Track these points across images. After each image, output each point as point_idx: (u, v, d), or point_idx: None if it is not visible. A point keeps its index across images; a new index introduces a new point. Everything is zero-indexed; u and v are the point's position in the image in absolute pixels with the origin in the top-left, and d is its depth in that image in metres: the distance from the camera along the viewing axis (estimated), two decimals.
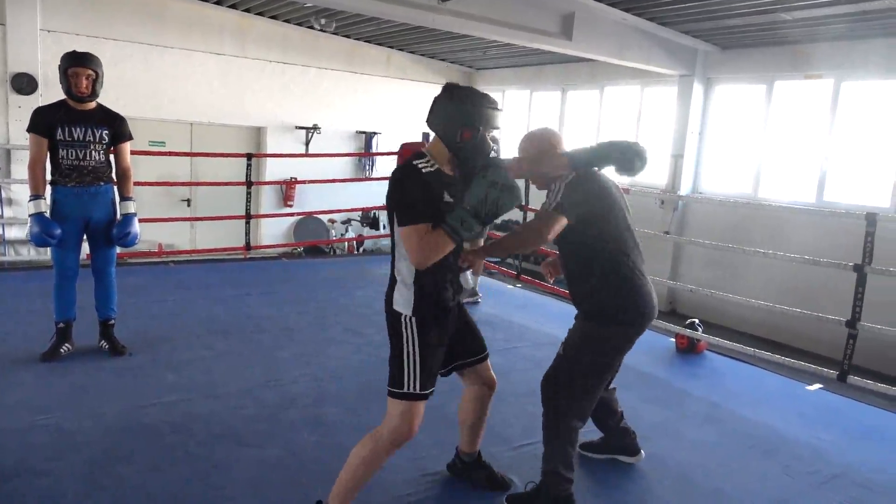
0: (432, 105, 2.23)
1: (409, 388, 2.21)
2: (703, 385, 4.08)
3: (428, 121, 2.25)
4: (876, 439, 3.42)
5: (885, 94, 6.98)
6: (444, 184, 2.17)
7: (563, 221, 2.36)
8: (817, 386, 4.10)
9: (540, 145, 2.59)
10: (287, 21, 9.31)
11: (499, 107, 2.25)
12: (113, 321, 3.83)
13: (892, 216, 6.29)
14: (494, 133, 2.25)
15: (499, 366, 4.05)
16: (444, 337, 2.30)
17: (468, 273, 5.47)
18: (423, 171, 2.16)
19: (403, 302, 2.22)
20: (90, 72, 3.50)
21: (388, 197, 2.18)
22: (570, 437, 2.48)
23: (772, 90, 7.85)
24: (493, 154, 2.27)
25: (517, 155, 2.63)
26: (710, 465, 3.01)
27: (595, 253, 2.47)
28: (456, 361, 2.46)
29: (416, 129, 9.21)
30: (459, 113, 2.16)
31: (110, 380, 3.44)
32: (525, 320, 5.09)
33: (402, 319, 2.23)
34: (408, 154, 6.86)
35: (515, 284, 6.40)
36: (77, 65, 3.47)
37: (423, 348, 2.22)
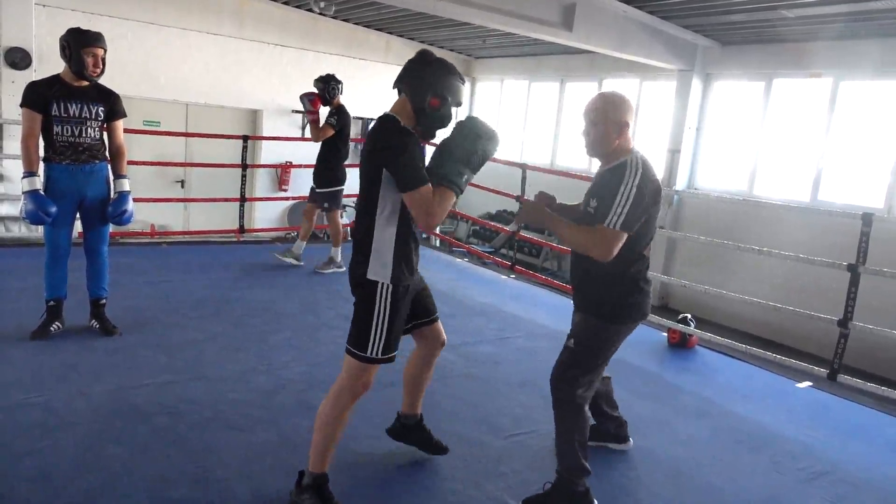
0: (404, 67, 2.26)
1: (372, 353, 2.27)
2: (694, 380, 4.09)
3: (397, 82, 2.27)
4: (864, 438, 3.45)
5: (882, 95, 6.99)
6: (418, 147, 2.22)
7: (624, 238, 2.30)
8: (807, 384, 4.12)
9: (621, 114, 2.39)
10: (286, 3, 9.23)
11: (463, 81, 2.29)
12: (104, 300, 3.80)
13: (886, 217, 6.31)
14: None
15: (492, 356, 4.08)
16: (405, 304, 2.35)
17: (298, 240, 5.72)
18: (412, 133, 2.21)
19: (381, 271, 2.23)
20: (103, 52, 3.48)
21: (383, 161, 2.14)
22: (586, 428, 2.51)
23: (770, 88, 7.86)
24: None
25: (591, 118, 2.40)
26: (701, 458, 3.02)
27: (623, 255, 2.35)
28: (414, 321, 2.52)
29: None
30: (432, 79, 2.19)
31: (101, 359, 3.41)
32: (518, 311, 5.09)
33: (379, 288, 2.25)
34: None
35: (509, 275, 6.40)
36: (96, 45, 3.43)
37: (392, 316, 2.26)
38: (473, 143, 2.16)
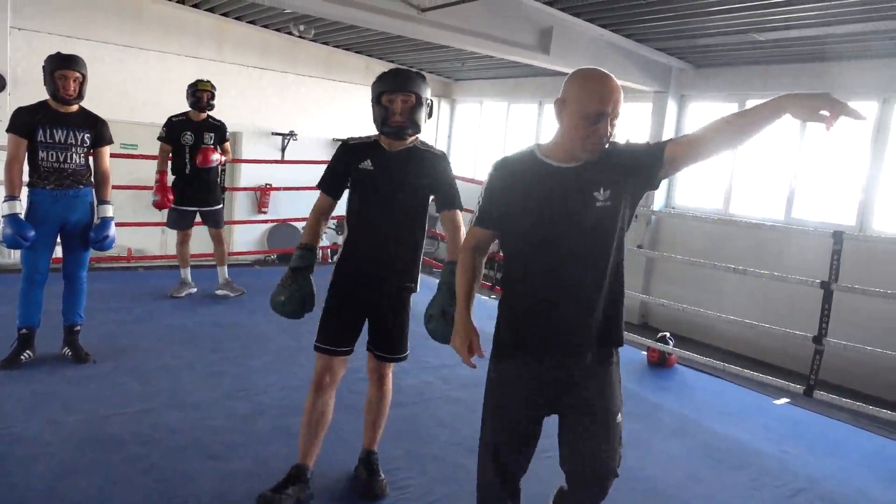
0: None
1: (316, 339, 2.50)
2: (673, 398, 4.11)
3: None
4: (840, 454, 3.48)
5: None
6: (369, 154, 2.42)
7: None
8: (784, 400, 4.16)
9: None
10: (266, 26, 9.27)
11: (399, 72, 2.39)
12: (79, 327, 3.74)
13: (857, 235, 6.44)
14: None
15: (472, 377, 4.02)
16: (344, 303, 2.48)
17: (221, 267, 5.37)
18: (350, 143, 2.49)
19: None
20: (77, 74, 3.48)
21: None
22: None
23: (744, 108, 8.02)
24: (400, 118, 2.35)
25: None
26: (679, 477, 3.03)
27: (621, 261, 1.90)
28: (366, 343, 2.59)
29: None
30: (371, 93, 2.41)
31: (73, 388, 3.35)
32: None
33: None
34: None
35: (490, 296, 6.40)
36: (65, 67, 3.44)
37: (327, 303, 2.50)
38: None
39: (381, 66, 10.74)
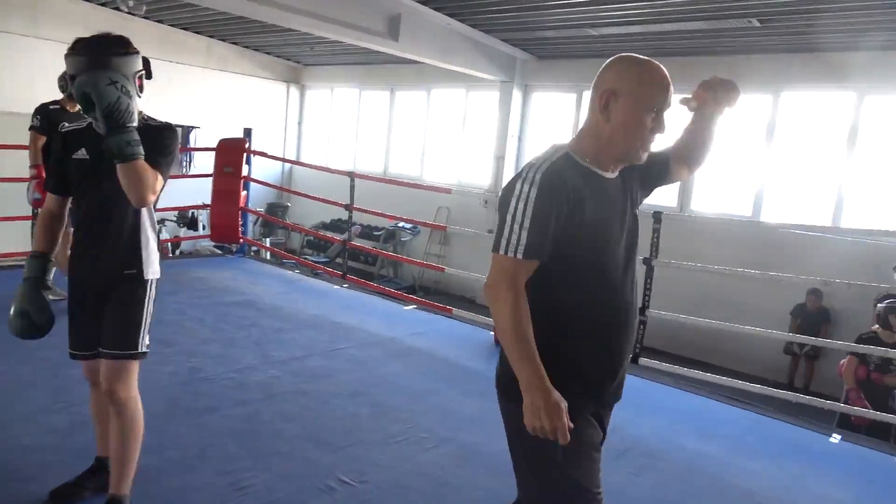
0: None
1: None
2: None
3: None
4: (661, 413, 3.85)
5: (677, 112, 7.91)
6: (84, 141, 2.15)
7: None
8: None
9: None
10: (88, 0, 8.42)
11: (89, 48, 2.09)
12: None
13: (674, 215, 7.13)
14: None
15: (322, 368, 3.99)
16: (74, 302, 2.24)
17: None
18: (63, 131, 2.23)
19: None
20: None
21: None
22: None
23: (581, 99, 8.56)
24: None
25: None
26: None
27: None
28: (97, 347, 2.21)
29: (237, 124, 8.76)
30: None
31: None
32: (350, 320, 5.04)
33: None
34: (224, 150, 6.42)
35: (342, 285, 6.33)
36: None
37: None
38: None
39: (224, 48, 10.20)
